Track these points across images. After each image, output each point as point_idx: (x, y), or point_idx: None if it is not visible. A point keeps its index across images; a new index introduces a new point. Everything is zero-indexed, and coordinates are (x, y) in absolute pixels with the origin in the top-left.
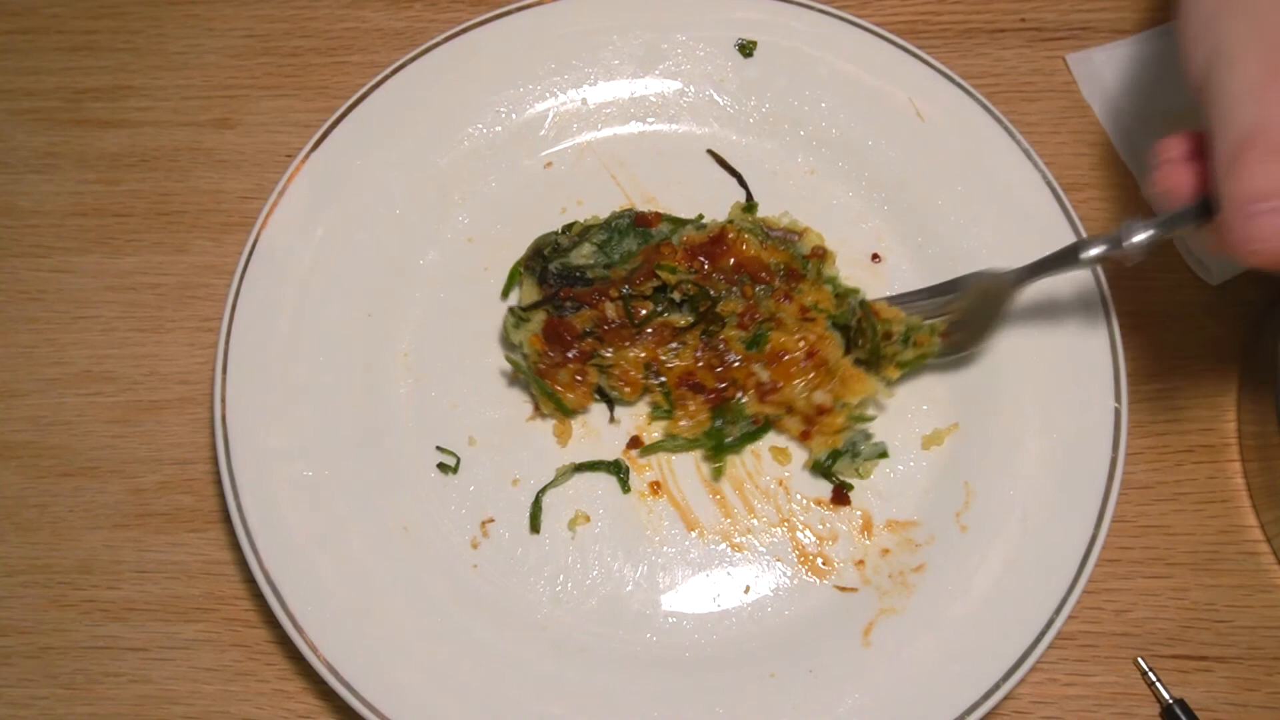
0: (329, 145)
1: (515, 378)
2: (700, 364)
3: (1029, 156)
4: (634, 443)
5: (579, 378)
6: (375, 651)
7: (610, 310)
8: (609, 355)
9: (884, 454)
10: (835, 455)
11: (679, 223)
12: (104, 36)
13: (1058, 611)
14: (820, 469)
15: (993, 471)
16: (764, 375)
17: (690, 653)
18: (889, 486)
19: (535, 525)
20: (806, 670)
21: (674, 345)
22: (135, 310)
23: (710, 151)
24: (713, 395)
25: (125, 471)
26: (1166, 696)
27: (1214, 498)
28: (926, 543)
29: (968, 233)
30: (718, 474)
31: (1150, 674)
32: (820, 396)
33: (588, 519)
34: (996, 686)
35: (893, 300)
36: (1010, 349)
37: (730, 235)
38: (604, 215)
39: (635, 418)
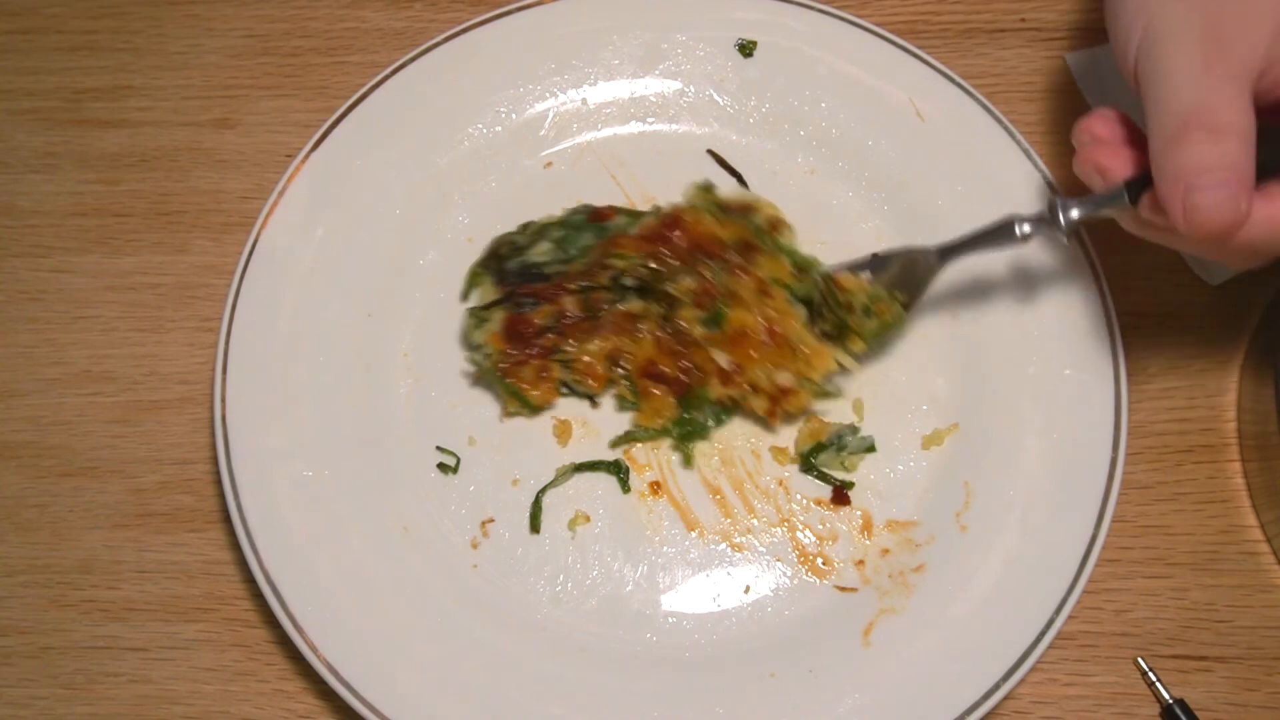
0: (329, 145)
1: (478, 378)
2: (662, 351)
3: (1029, 156)
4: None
5: (543, 374)
6: (375, 651)
7: (569, 304)
8: (571, 349)
9: (871, 448)
10: (820, 449)
11: (635, 215)
12: (104, 36)
13: (1058, 611)
14: (805, 464)
15: (993, 471)
16: (722, 358)
17: (690, 653)
18: (889, 486)
19: (535, 525)
20: (806, 670)
21: (637, 334)
22: (135, 310)
23: (710, 151)
24: (676, 382)
25: (125, 471)
26: (1166, 696)
27: (1214, 498)
28: (926, 543)
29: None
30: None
31: (1150, 674)
32: (783, 376)
33: (588, 519)
34: (996, 686)
35: (835, 269)
36: (1010, 349)
37: (686, 217)
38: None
39: (634, 417)
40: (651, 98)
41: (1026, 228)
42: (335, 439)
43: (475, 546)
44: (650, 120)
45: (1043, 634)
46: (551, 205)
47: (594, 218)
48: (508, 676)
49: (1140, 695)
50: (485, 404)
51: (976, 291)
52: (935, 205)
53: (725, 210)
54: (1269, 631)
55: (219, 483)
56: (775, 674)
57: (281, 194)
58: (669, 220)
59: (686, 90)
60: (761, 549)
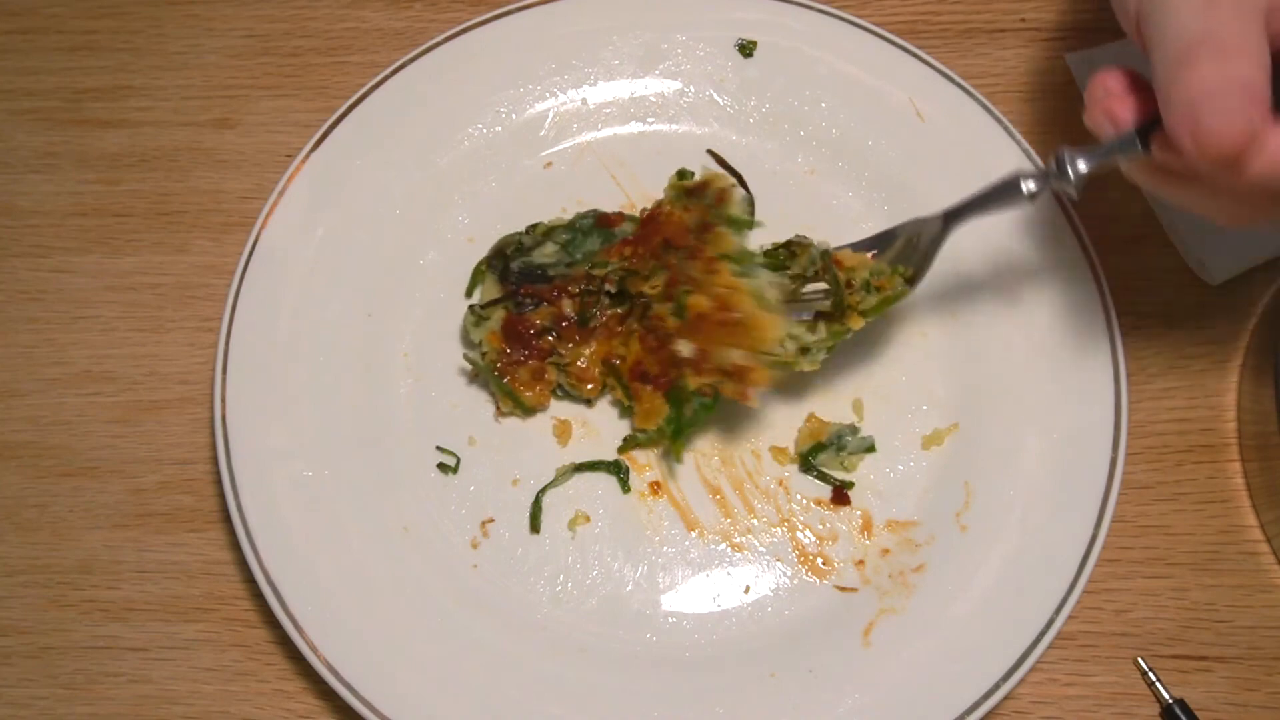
0: (329, 145)
1: (475, 376)
2: (646, 350)
3: (1029, 156)
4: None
5: (539, 376)
6: (375, 651)
7: (567, 307)
8: (567, 352)
9: (871, 448)
10: (819, 449)
11: (634, 219)
12: (104, 36)
13: (1058, 611)
14: (805, 464)
15: (993, 471)
16: (686, 346)
17: (690, 653)
18: (889, 486)
19: (535, 525)
20: (806, 670)
21: (627, 337)
22: (135, 310)
23: (710, 151)
24: (662, 380)
25: (125, 471)
26: (1166, 696)
27: (1214, 498)
28: (926, 543)
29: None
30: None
31: (1150, 674)
32: (735, 354)
33: (588, 519)
34: (996, 686)
35: (840, 248)
36: (1010, 349)
37: (661, 213)
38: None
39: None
40: (651, 98)
41: (1032, 184)
42: (335, 439)
43: (475, 546)
44: (650, 120)
45: (1043, 634)
46: (551, 205)
47: (601, 222)
48: (508, 676)
49: (1140, 695)
50: (485, 404)
51: (977, 291)
52: (935, 205)
53: (690, 194)
54: (1269, 631)
55: (219, 483)
56: (775, 674)
57: (281, 194)
58: (647, 220)
59: (686, 90)
60: (761, 549)
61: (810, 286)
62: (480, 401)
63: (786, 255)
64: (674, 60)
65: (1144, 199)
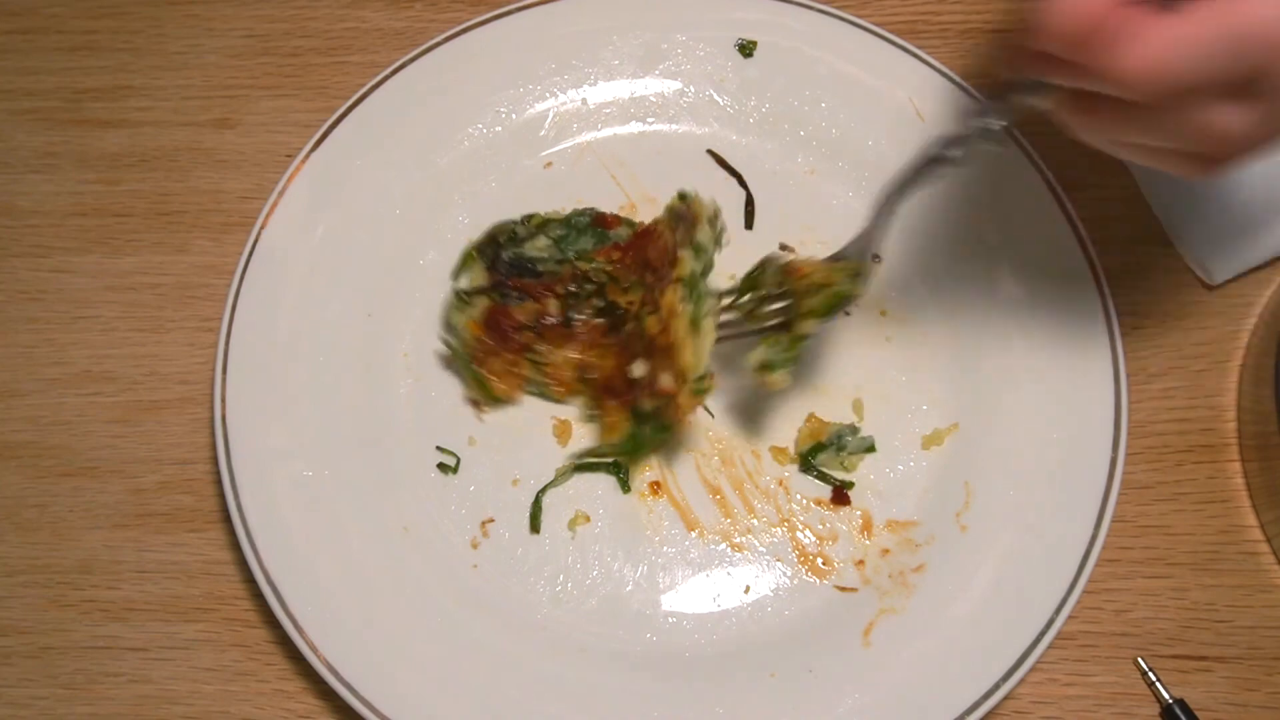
0: (329, 145)
1: (449, 359)
2: (618, 365)
3: (1029, 156)
4: None
5: (512, 369)
6: (375, 651)
7: (552, 307)
8: (544, 351)
9: (871, 448)
10: (819, 449)
11: (633, 225)
12: (104, 36)
13: (1058, 611)
14: (805, 464)
15: (993, 471)
16: (639, 367)
17: (690, 653)
18: (889, 486)
19: (535, 525)
20: (806, 670)
21: (605, 348)
22: (135, 310)
23: (710, 151)
24: (626, 398)
25: (125, 471)
26: (1166, 696)
27: (1214, 498)
28: (926, 543)
29: (968, 232)
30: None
31: (1150, 674)
32: (664, 378)
33: (588, 519)
34: (996, 686)
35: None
36: (1011, 350)
37: (653, 230)
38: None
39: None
40: (651, 98)
41: (956, 150)
42: (335, 439)
43: (475, 546)
44: (650, 120)
45: (1043, 634)
46: (551, 205)
47: (597, 223)
48: (508, 676)
49: (1140, 695)
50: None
51: (977, 292)
52: (935, 205)
53: (679, 217)
54: (1269, 631)
55: (219, 483)
56: (775, 674)
57: (281, 194)
58: (640, 233)
59: (686, 90)
60: (761, 549)
61: (776, 305)
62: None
63: (759, 275)
64: (674, 60)
65: (1144, 199)
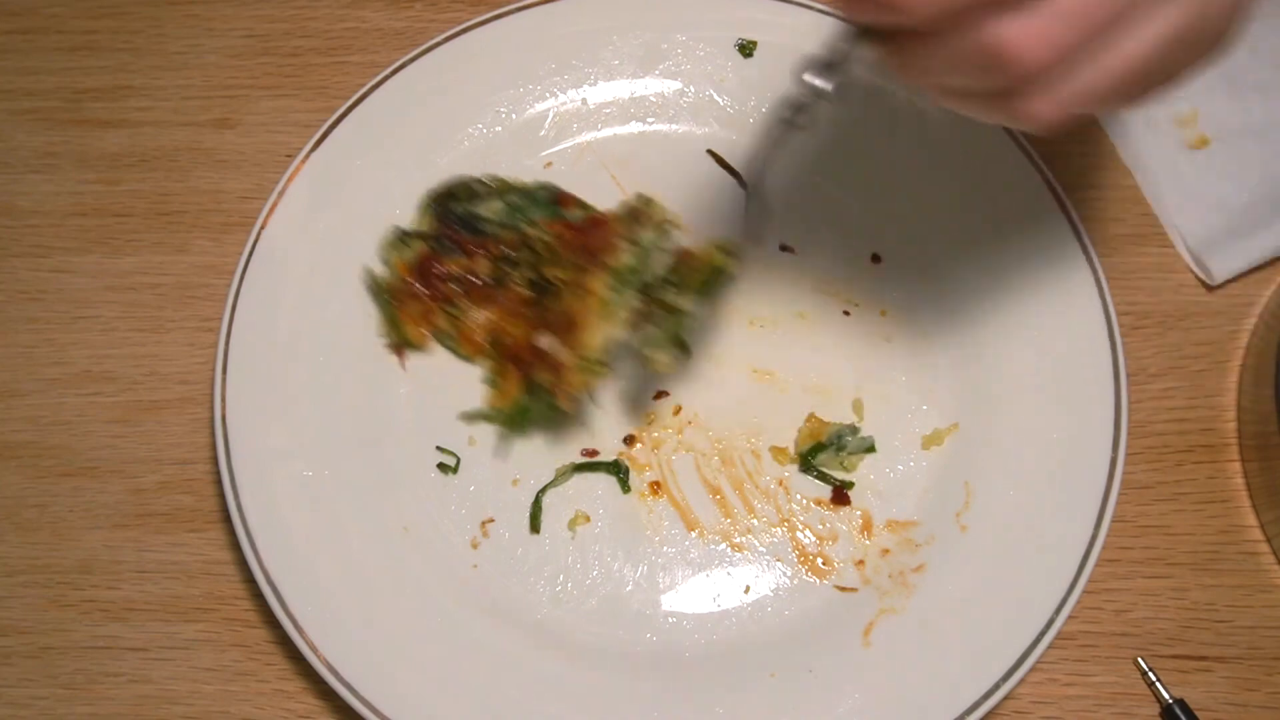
0: (329, 145)
1: (369, 288)
2: (527, 336)
3: (1029, 156)
4: (630, 441)
5: (427, 316)
6: (375, 651)
7: (482, 266)
8: (462, 307)
9: (871, 448)
10: (819, 449)
11: (590, 210)
12: (104, 36)
13: (1058, 611)
14: (804, 464)
15: (993, 471)
16: (544, 339)
17: (690, 653)
18: (889, 486)
19: (535, 525)
20: (806, 670)
21: (523, 318)
22: (135, 310)
23: (710, 151)
24: (526, 367)
25: (125, 471)
26: (1166, 696)
27: (1214, 498)
28: (926, 543)
29: (967, 232)
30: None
31: (1150, 674)
32: (564, 354)
33: (588, 519)
34: (996, 686)
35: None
36: (1010, 349)
37: (605, 220)
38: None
39: (632, 418)
40: (651, 98)
41: (800, 117)
42: (335, 439)
43: (475, 546)
44: (650, 120)
45: (1043, 634)
46: None
47: (556, 200)
48: (508, 676)
49: (1140, 695)
50: (485, 404)
51: (976, 292)
52: (935, 205)
53: (632, 215)
54: (1269, 631)
55: (219, 483)
56: (775, 674)
57: (281, 194)
58: (592, 220)
59: (686, 90)
60: (761, 549)
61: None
62: (480, 401)
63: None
64: (674, 60)
65: (1144, 199)
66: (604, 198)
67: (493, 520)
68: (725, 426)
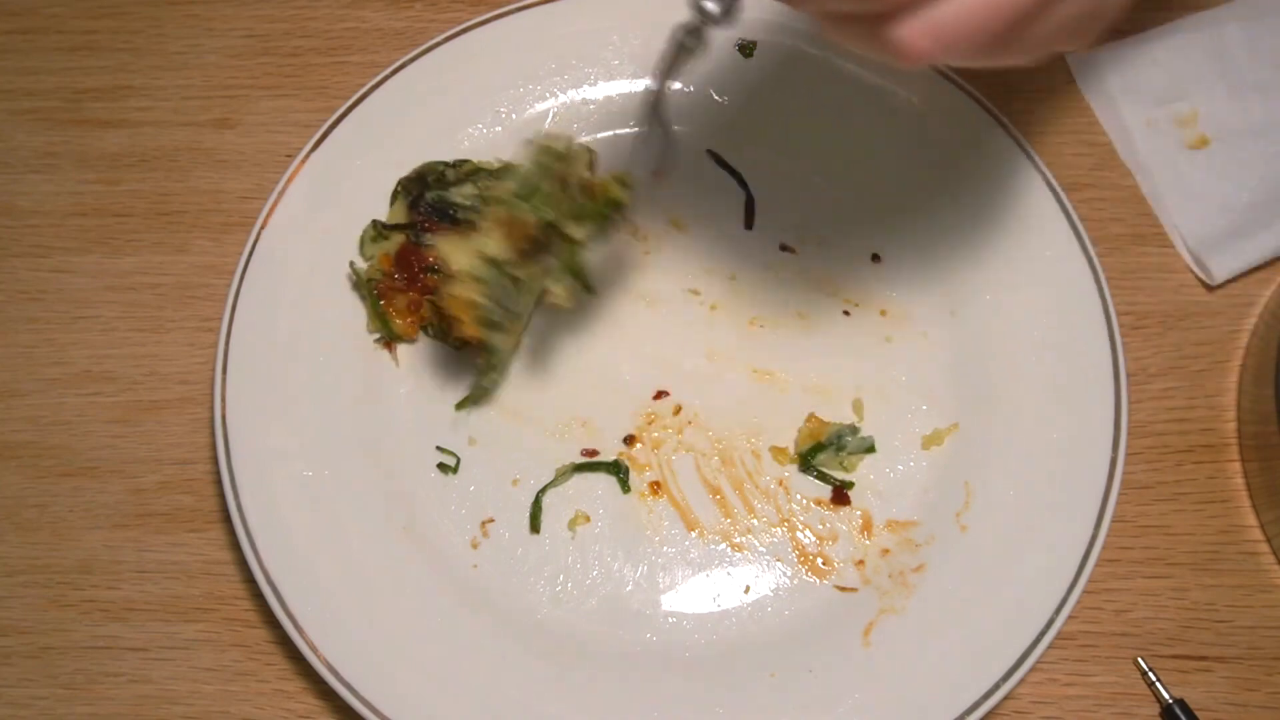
0: (329, 145)
1: (354, 285)
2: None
3: (1029, 156)
4: (630, 441)
5: (413, 308)
6: (375, 651)
7: None
8: (442, 296)
9: (871, 448)
10: (819, 449)
11: None
12: (104, 36)
13: (1058, 611)
14: (804, 464)
15: (993, 471)
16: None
17: (690, 653)
18: (889, 486)
19: (535, 525)
20: (806, 670)
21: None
22: (135, 310)
23: (710, 151)
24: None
25: (125, 471)
26: (1166, 696)
27: (1214, 498)
28: (926, 543)
29: (967, 232)
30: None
31: (1150, 674)
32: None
33: (588, 519)
34: (996, 686)
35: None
36: (1011, 349)
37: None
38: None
39: (634, 418)
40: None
41: (691, 39)
42: (335, 439)
43: (475, 546)
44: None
45: (1043, 634)
46: None
47: None
48: (508, 676)
49: (1140, 695)
50: (485, 404)
51: (977, 292)
52: (935, 205)
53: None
54: (1269, 631)
55: (219, 483)
56: (775, 674)
57: (281, 194)
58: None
59: (686, 90)
60: (761, 549)
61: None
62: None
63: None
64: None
65: (1144, 199)
66: None
67: (493, 520)
68: (725, 426)
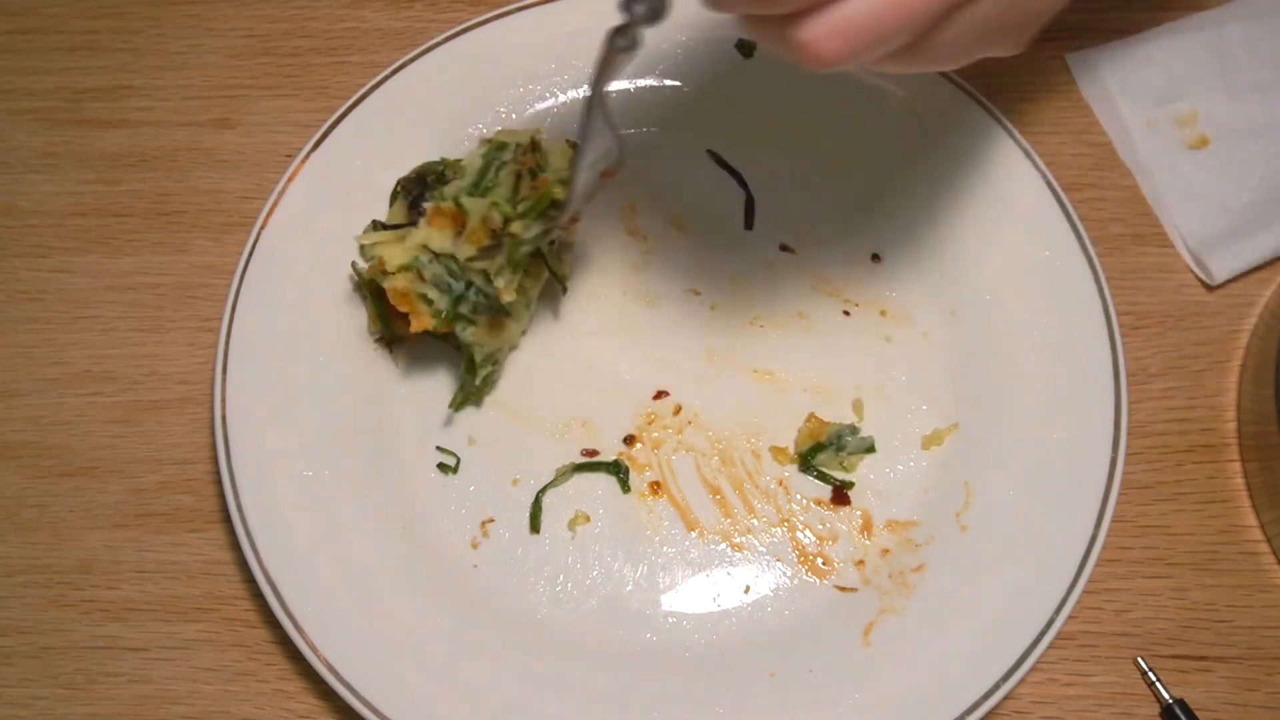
0: (329, 145)
1: (355, 286)
2: None
3: (1029, 156)
4: (630, 441)
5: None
6: (375, 651)
7: None
8: None
9: (871, 448)
10: (819, 449)
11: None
12: (104, 36)
13: (1058, 611)
14: (804, 464)
15: (993, 471)
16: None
17: (690, 653)
18: (889, 486)
19: (535, 525)
20: (806, 670)
21: None
22: (135, 310)
23: (710, 151)
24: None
25: (125, 471)
26: (1166, 696)
27: (1214, 498)
28: (926, 543)
29: (967, 232)
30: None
31: (1150, 674)
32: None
33: (588, 519)
34: (996, 686)
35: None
36: (1011, 349)
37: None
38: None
39: (634, 418)
40: (651, 97)
41: (621, 39)
42: (335, 439)
43: (475, 546)
44: (650, 120)
45: (1043, 634)
46: None
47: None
48: (508, 676)
49: (1140, 695)
50: (485, 404)
51: (977, 292)
52: (934, 205)
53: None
54: (1269, 631)
55: (219, 483)
56: (775, 674)
57: (281, 194)
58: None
59: (686, 90)
60: (761, 549)
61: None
62: (481, 401)
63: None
64: (674, 60)
65: (1144, 199)
66: (603, 198)
67: (493, 520)
68: (725, 426)
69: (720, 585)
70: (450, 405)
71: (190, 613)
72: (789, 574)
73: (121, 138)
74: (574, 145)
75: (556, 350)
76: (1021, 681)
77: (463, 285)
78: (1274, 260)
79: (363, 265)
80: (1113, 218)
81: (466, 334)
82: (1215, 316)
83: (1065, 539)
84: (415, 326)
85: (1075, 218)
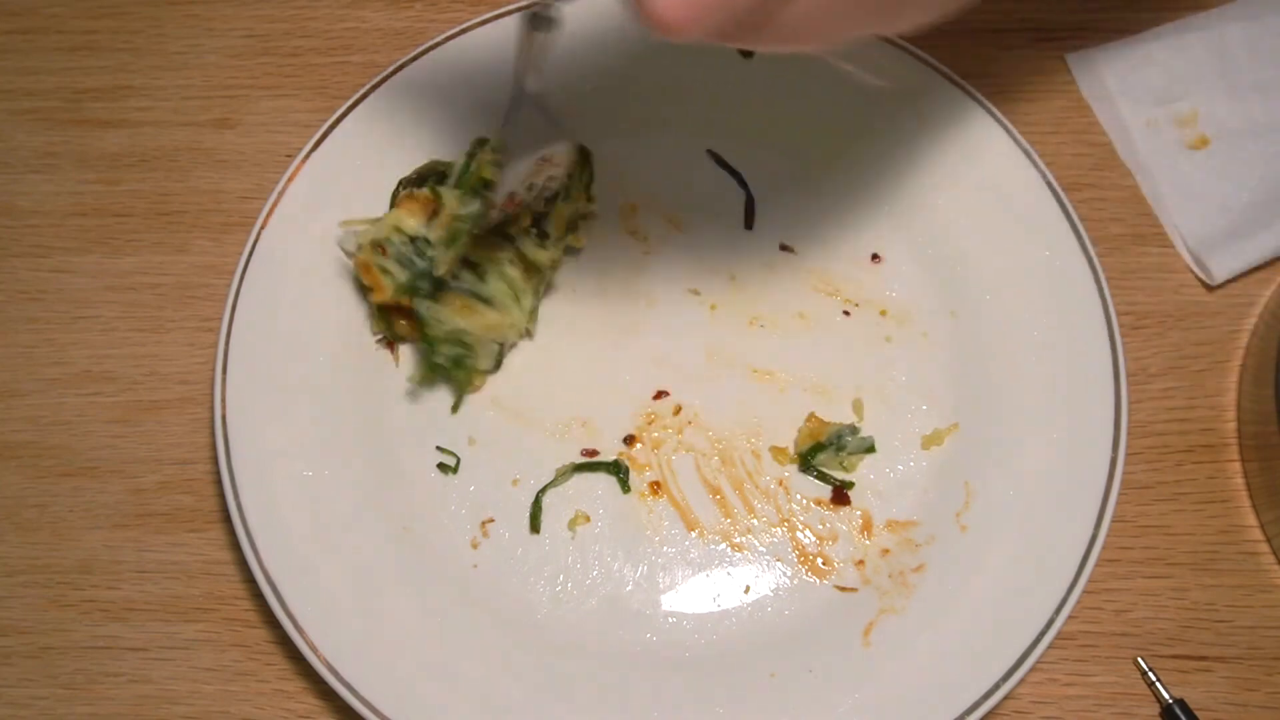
0: (329, 145)
1: (358, 286)
2: None
3: (1029, 156)
4: (630, 441)
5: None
6: (375, 651)
7: None
8: None
9: (871, 448)
10: (819, 449)
11: None
12: (104, 36)
13: (1058, 611)
14: (804, 464)
15: (993, 471)
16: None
17: (690, 653)
18: (889, 486)
19: (535, 525)
20: (806, 670)
21: None
22: (135, 310)
23: (710, 152)
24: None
25: (125, 471)
26: (1166, 696)
27: (1214, 498)
28: (926, 543)
29: (967, 232)
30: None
31: (1150, 674)
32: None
33: (588, 519)
34: (996, 686)
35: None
36: (1011, 349)
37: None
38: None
39: (634, 418)
40: (651, 97)
41: (540, 21)
42: (335, 439)
43: (475, 546)
44: (650, 120)
45: (1043, 634)
46: None
47: None
48: (508, 676)
49: (1140, 695)
50: (485, 404)
51: (977, 292)
52: (934, 205)
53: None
54: (1269, 631)
55: (219, 483)
56: (775, 674)
57: (281, 194)
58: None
59: (687, 90)
60: (761, 549)
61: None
62: (480, 402)
63: None
64: (674, 60)
65: (1144, 199)
66: (603, 199)
67: (493, 520)
68: (725, 426)
69: (720, 585)
70: (415, 380)
71: (190, 613)
72: (789, 574)
73: (121, 138)
74: (581, 149)
75: (556, 350)
76: (1021, 681)
77: (426, 263)
78: (1274, 260)
79: (353, 250)
80: (1113, 218)
81: (422, 308)
82: (1215, 316)
83: (1065, 539)
84: (375, 298)
85: (1075, 218)
